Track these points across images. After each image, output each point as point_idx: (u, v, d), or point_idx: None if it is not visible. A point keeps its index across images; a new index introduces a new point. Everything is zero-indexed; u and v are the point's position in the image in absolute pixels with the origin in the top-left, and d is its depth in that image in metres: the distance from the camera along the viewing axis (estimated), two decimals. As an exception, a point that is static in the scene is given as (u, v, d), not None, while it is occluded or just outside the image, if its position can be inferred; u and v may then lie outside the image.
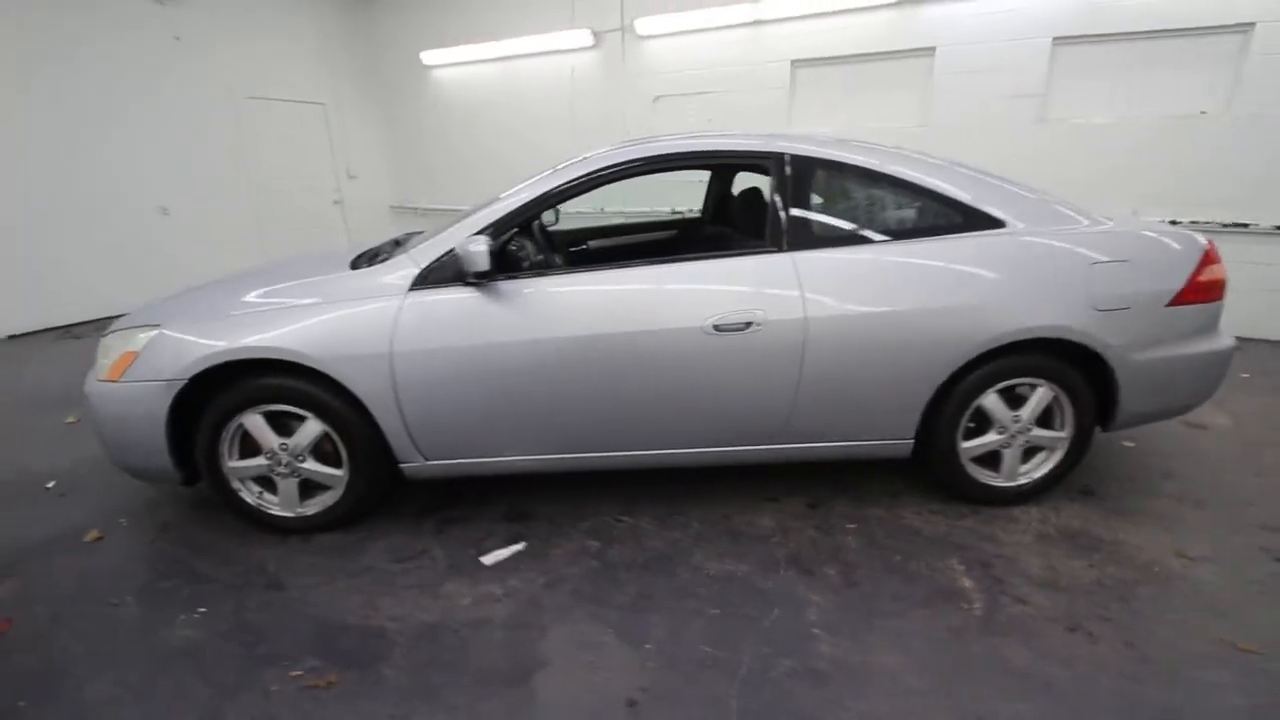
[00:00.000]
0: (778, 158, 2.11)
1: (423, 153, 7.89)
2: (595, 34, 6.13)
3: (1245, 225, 4.36)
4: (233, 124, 6.39)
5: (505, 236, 2.07)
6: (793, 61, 5.38)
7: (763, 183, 2.52)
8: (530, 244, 2.38)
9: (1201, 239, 2.23)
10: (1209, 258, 2.19)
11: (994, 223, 2.12)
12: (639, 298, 2.03)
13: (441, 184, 7.85)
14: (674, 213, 5.85)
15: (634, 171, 2.13)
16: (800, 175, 2.10)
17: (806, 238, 2.07)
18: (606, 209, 5.79)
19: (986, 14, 4.72)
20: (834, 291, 2.01)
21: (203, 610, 1.88)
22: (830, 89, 5.41)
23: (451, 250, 2.00)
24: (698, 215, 3.54)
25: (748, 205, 2.49)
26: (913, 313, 2.02)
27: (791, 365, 2.04)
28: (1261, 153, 4.25)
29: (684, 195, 5.31)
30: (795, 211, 2.08)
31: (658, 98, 6.07)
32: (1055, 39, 4.60)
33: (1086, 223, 2.18)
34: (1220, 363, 2.26)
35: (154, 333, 2.07)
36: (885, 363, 2.06)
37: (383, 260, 2.18)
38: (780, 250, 2.05)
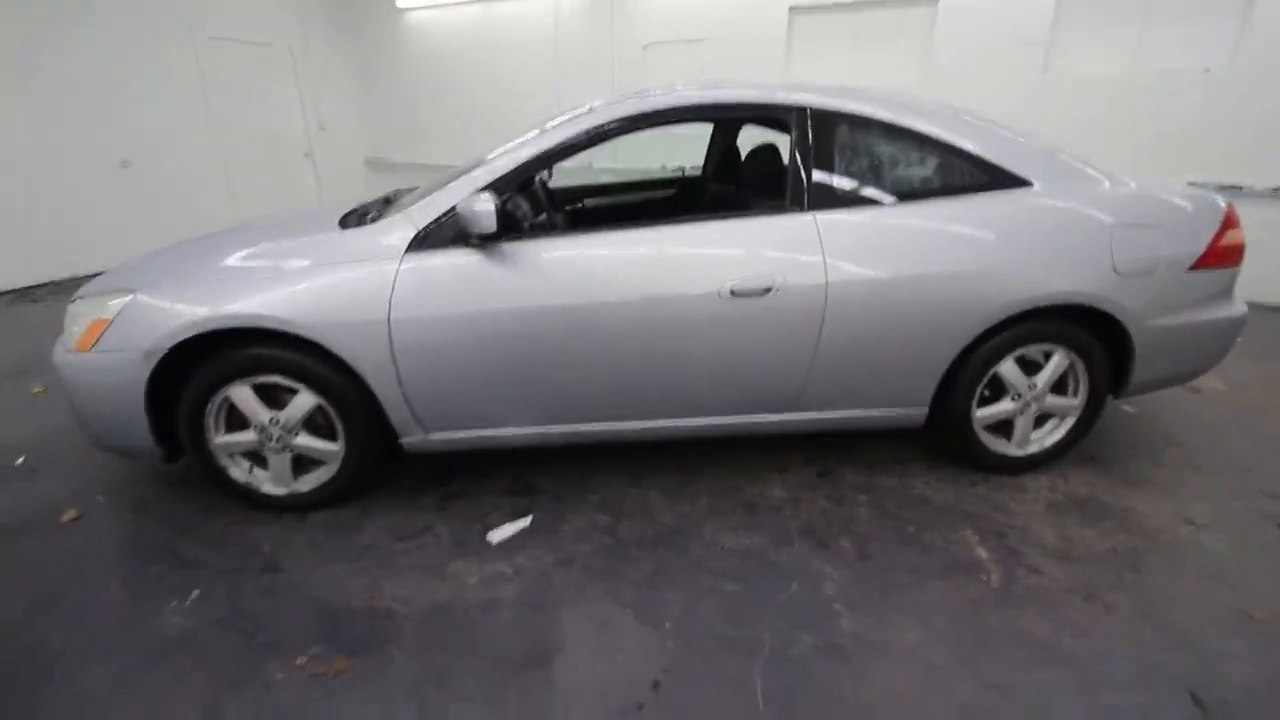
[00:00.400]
0: (799, 111, 1.98)
1: (398, 103, 7.50)
2: (581, -25, 5.79)
3: (1239, 187, 4.33)
4: (194, 68, 5.97)
5: (508, 195, 1.93)
6: (791, 8, 5.14)
7: (777, 138, 2.40)
8: (529, 203, 2.24)
9: (1221, 202, 2.17)
10: (1230, 221, 2.14)
11: (1020, 182, 2.03)
12: (652, 261, 1.92)
13: (419, 137, 7.49)
14: (664, 169, 5.66)
15: (643, 124, 1.98)
16: (823, 131, 1.97)
17: (830, 198, 1.96)
18: (595, 165, 5.58)
19: (993, -40, 4.52)
20: (857, 255, 1.92)
21: (196, 595, 1.79)
22: (829, 38, 5.19)
23: (453, 209, 1.86)
24: (697, 174, 3.38)
25: (763, 163, 2.35)
26: (936, 277, 1.94)
27: (810, 332, 1.96)
28: (1260, 114, 4.20)
29: (676, 151, 5.12)
30: (818, 170, 1.96)
31: (648, 45, 5.79)
32: (1062, -12, 4.44)
33: (1108, 184, 2.11)
34: (1233, 329, 2.23)
35: (128, 298, 1.91)
36: (906, 329, 1.99)
37: (374, 219, 2.03)
38: (802, 211, 1.94)
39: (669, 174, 3.44)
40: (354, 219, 2.13)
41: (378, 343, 1.86)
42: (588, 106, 2.08)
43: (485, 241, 1.81)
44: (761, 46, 5.32)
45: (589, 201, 3.26)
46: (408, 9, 6.87)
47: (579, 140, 1.94)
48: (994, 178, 2.02)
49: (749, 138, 2.75)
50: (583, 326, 1.90)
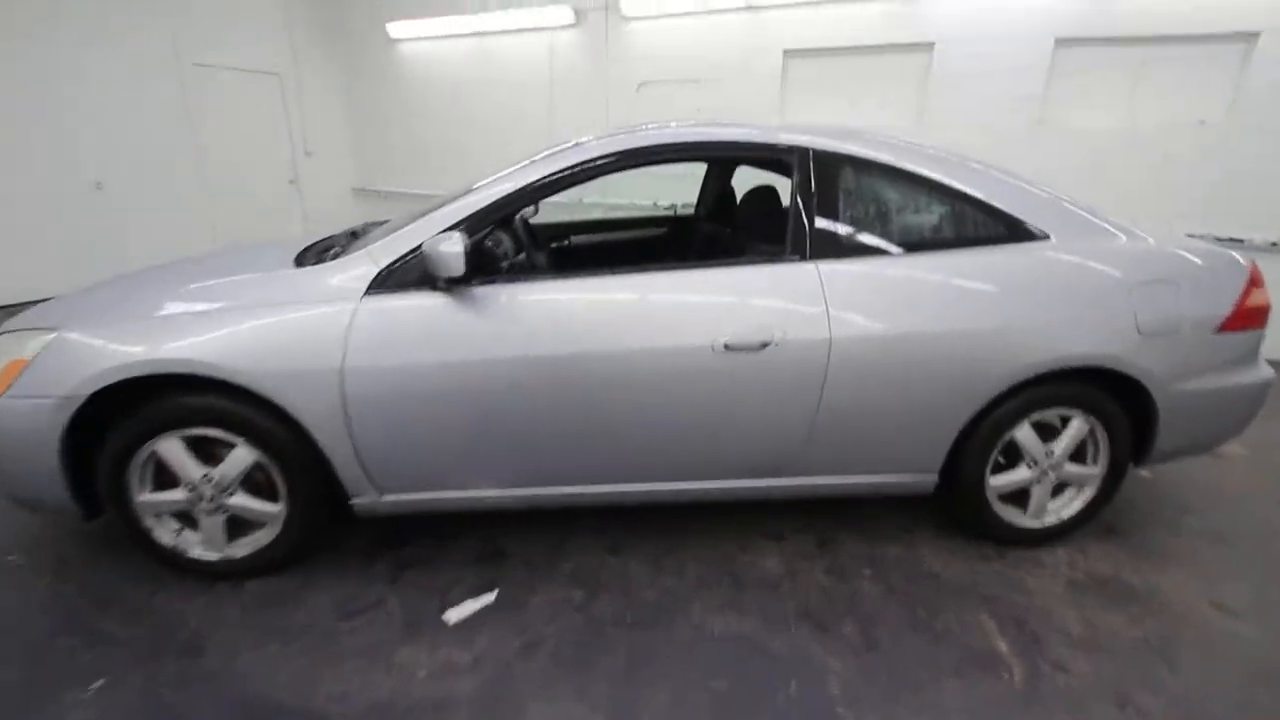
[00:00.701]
0: (801, 153, 1.83)
1: (388, 132, 7.40)
2: (577, 11, 5.76)
3: (1240, 240, 4.27)
4: (177, 92, 5.83)
5: (482, 233, 1.76)
6: (786, 51, 5.12)
7: (775, 179, 2.26)
8: (509, 240, 2.07)
9: (1243, 260, 2.04)
10: (1254, 280, 2.01)
11: (1036, 235, 1.89)
12: (639, 310, 1.74)
13: (408, 166, 7.38)
14: (656, 206, 5.57)
15: (633, 162, 1.83)
16: (826, 174, 1.82)
17: (834, 246, 1.80)
18: (585, 200, 5.47)
19: (988, 10, 4.52)
20: (864, 308, 1.76)
21: (101, 684, 1.54)
22: (824, 81, 5.16)
23: (418, 248, 1.68)
24: (690, 213, 3.24)
25: (760, 205, 2.20)
26: (949, 334, 1.78)
27: (811, 391, 1.78)
28: (1260, 166, 4.16)
29: (669, 189, 5.02)
30: (821, 216, 1.80)
31: (642, 84, 5.75)
32: (1058, 40, 4.43)
33: (1125, 238, 1.97)
34: (1260, 393, 2.08)
35: (50, 337, 1.69)
36: (916, 390, 1.82)
37: (335, 256, 1.84)
38: (804, 259, 1.78)
39: (661, 212, 3.29)
40: (312, 256, 1.94)
41: (328, 393, 1.66)
42: (574, 141, 1.93)
43: (453, 285, 1.63)
44: (756, 89, 5.27)
45: (576, 239, 3.10)
46: (401, 39, 6.82)
47: (563, 176, 1.78)
48: (1008, 229, 1.88)
49: (745, 179, 2.62)
50: (561, 380, 1.71)
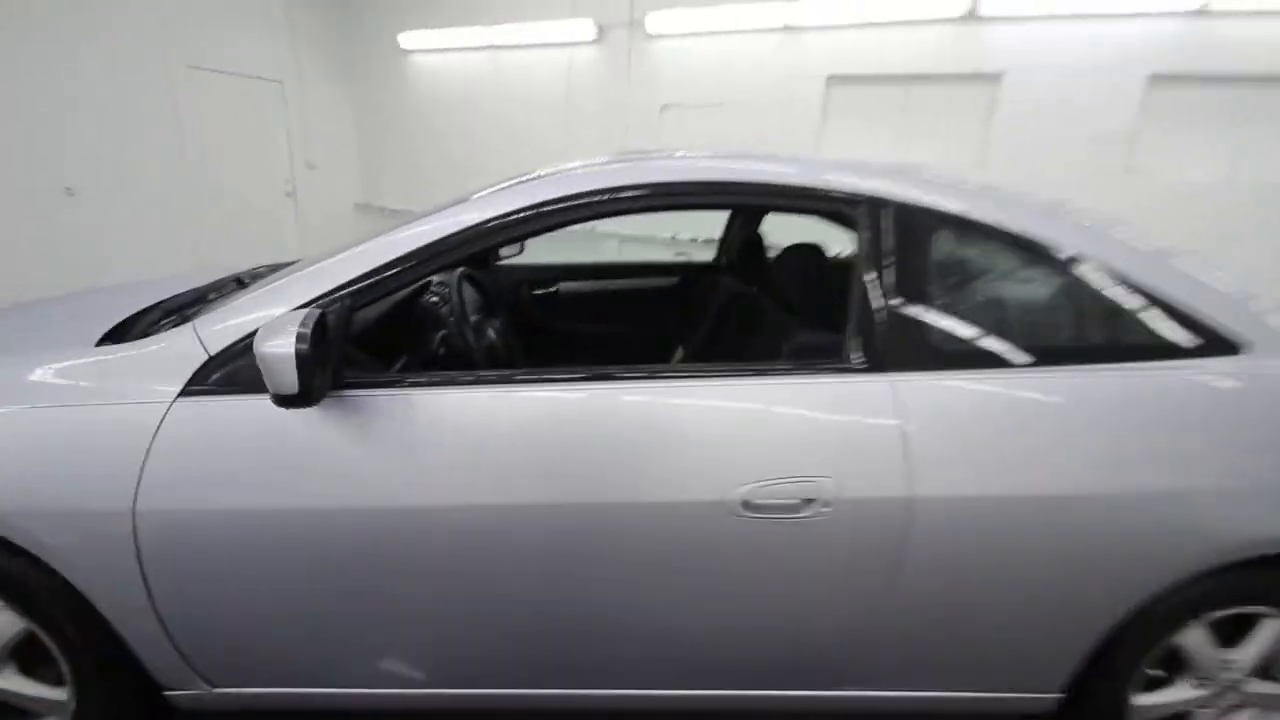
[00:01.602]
0: (873, 206, 1.20)
1: (396, 146, 6.97)
2: (599, 27, 5.27)
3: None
4: (164, 94, 5.42)
5: (373, 305, 1.16)
6: (829, 77, 4.55)
7: (824, 235, 1.64)
8: (428, 316, 1.47)
9: None
10: None
11: (1226, 346, 1.23)
12: (611, 439, 1.11)
13: (417, 183, 6.92)
14: (674, 240, 4.99)
15: (632, 204, 1.21)
16: (912, 240, 1.19)
17: (920, 351, 1.16)
18: (598, 228, 4.91)
19: (1072, 39, 3.91)
20: (966, 453, 1.11)
21: None
22: (871, 113, 4.57)
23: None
24: (709, 260, 2.63)
25: (802, 271, 1.57)
26: (1099, 500, 1.13)
27: (876, 573, 1.14)
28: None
29: (690, 220, 4.45)
30: (902, 302, 1.17)
31: (665, 107, 5.21)
32: (1152, 76, 3.80)
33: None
34: None
35: None
36: (1041, 580, 1.17)
37: (152, 330, 1.24)
38: (872, 369, 1.14)
39: (673, 259, 2.69)
40: (141, 326, 1.33)
41: (114, 545, 1.06)
42: (536, 172, 1.33)
43: (291, 403, 1.00)
44: (793, 117, 4.70)
45: (565, 286, 2.51)
46: (413, 50, 6.41)
47: (498, 228, 1.16)
48: (1190, 337, 1.22)
49: (781, 221, 2.01)
50: (485, 541, 1.10)
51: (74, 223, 4.98)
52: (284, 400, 0.92)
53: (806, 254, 1.59)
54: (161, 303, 1.44)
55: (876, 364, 1.14)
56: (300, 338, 0.89)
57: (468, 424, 1.10)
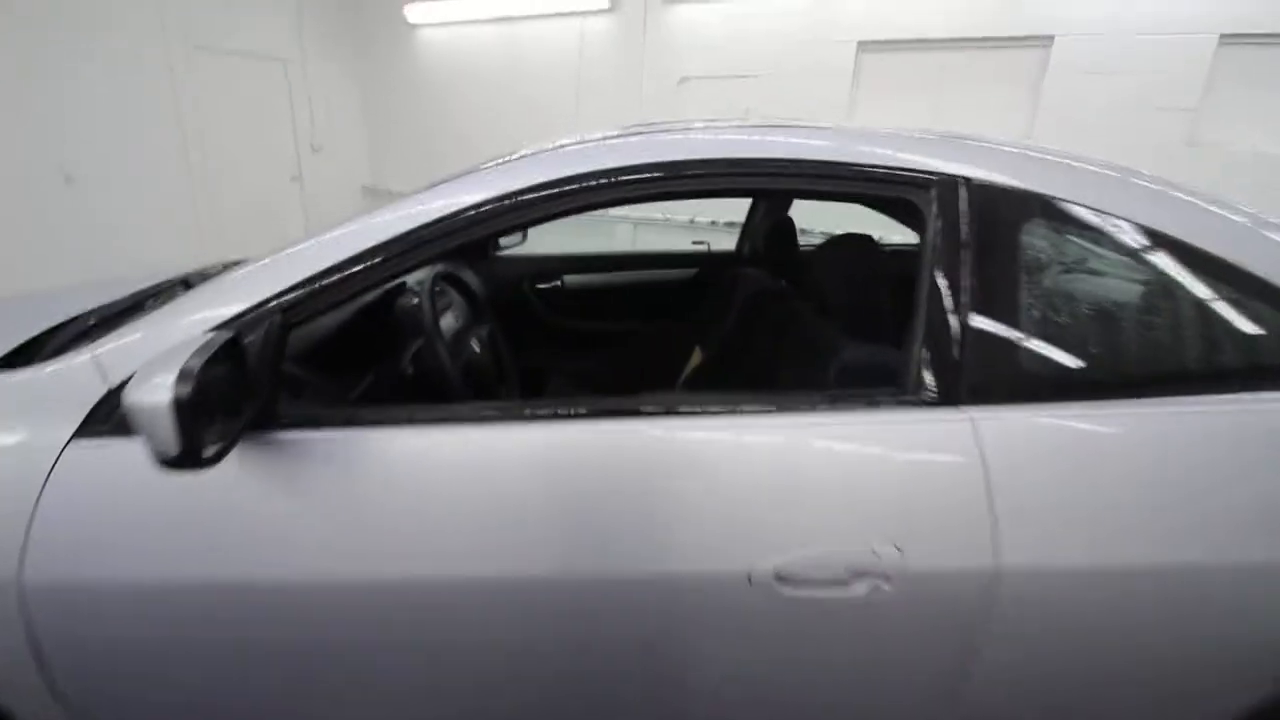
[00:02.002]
0: (948, 187, 0.94)
1: (404, 126, 6.74)
2: (612, -6, 4.95)
3: None
4: (164, 77, 5.23)
5: (314, 317, 0.93)
6: (860, 43, 4.20)
7: (870, 222, 1.38)
8: (414, 307, 1.24)
9: None
10: None
11: None
12: (614, 493, 0.88)
13: (426, 164, 6.67)
14: (693, 224, 4.71)
15: (630, 190, 0.96)
16: (1001, 230, 0.92)
17: (1008, 378, 0.90)
18: (611, 210, 4.66)
19: (1132, -5, 3.53)
20: (1069, 512, 0.86)
21: None
22: (906, 81, 4.22)
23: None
24: (730, 250, 2.37)
25: (847, 269, 1.30)
26: (1248, 571, 0.87)
27: (949, 669, 0.90)
28: None
29: (714, 200, 4.18)
30: (985, 316, 0.90)
31: (683, 79, 4.89)
32: (1223, 36, 3.41)
33: None
34: None
35: None
36: (1158, 673, 0.92)
37: (56, 352, 1.02)
38: (945, 401, 0.89)
39: (691, 248, 2.43)
40: (55, 344, 1.11)
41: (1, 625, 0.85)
42: (526, 151, 1.08)
43: (179, 465, 0.77)
44: (820, 87, 4.36)
45: (570, 280, 2.27)
46: (419, 25, 6.13)
47: (478, 217, 0.92)
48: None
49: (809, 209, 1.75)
50: (448, 624, 0.88)
51: (73, 212, 4.84)
52: (169, 462, 0.70)
53: (855, 247, 1.31)
54: (84, 314, 1.23)
55: (952, 394, 0.88)
56: (183, 377, 0.66)
57: (427, 474, 0.87)
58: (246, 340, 0.81)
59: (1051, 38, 3.73)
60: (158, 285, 1.40)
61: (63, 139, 4.72)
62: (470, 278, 1.79)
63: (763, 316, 1.65)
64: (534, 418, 0.89)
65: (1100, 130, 3.67)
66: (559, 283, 2.27)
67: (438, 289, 1.27)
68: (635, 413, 0.89)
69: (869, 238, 1.31)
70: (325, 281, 0.89)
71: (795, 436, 0.88)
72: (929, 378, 0.89)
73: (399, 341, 1.19)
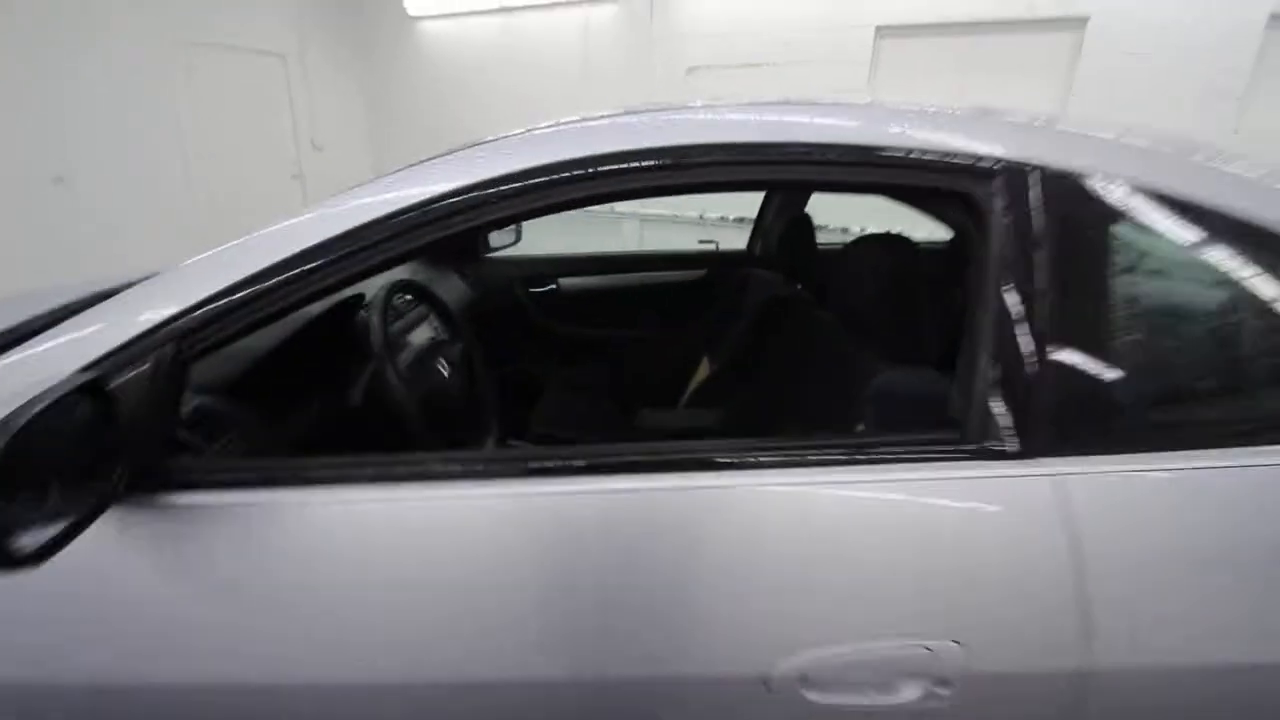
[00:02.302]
0: (1016, 174, 0.74)
1: (406, 121, 6.58)
2: (617, -19, 4.76)
3: None
4: (159, 73, 5.10)
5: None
6: (878, 28, 3.97)
7: (898, 223, 1.18)
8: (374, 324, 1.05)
9: None
10: None
11: None
12: (588, 573, 0.69)
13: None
14: (702, 220, 4.51)
15: (616, 183, 0.76)
16: (1086, 231, 0.72)
17: (1098, 424, 0.70)
18: (616, 207, 4.48)
19: (1176, -29, 3.28)
20: (1184, 596, 0.66)
21: None
22: (927, 68, 3.99)
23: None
24: (741, 249, 2.17)
25: (882, 279, 1.09)
26: None
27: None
28: None
29: (721, 196, 3.97)
30: (1069, 337, 0.70)
31: (692, 69, 4.69)
32: (1273, 16, 3.16)
33: None
34: None
35: None
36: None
37: None
38: (1018, 453, 0.69)
39: (700, 247, 2.23)
40: None
41: None
42: (490, 138, 0.90)
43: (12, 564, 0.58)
44: (837, 75, 4.14)
45: (566, 282, 2.09)
46: (420, 17, 5.97)
47: (423, 220, 0.74)
48: None
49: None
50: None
51: (65, 214, 4.72)
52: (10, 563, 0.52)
53: (887, 250, 1.11)
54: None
55: (1028, 441, 0.69)
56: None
57: (366, 549, 0.69)
58: (120, 382, 0.63)
59: (1085, 19, 3.48)
60: (91, 296, 1.24)
61: (60, 139, 4.62)
62: (455, 284, 1.61)
63: (778, 327, 1.46)
64: (494, 476, 0.70)
65: (1135, 113, 3.43)
66: (554, 286, 2.09)
67: (397, 301, 1.09)
68: (619, 467, 0.71)
69: (905, 238, 1.11)
70: (237, 299, 0.71)
71: (824, 496, 0.69)
72: (995, 419, 0.70)
73: (353, 366, 1.01)
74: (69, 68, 4.64)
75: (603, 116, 0.86)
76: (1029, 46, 3.69)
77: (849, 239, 1.33)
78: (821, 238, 1.72)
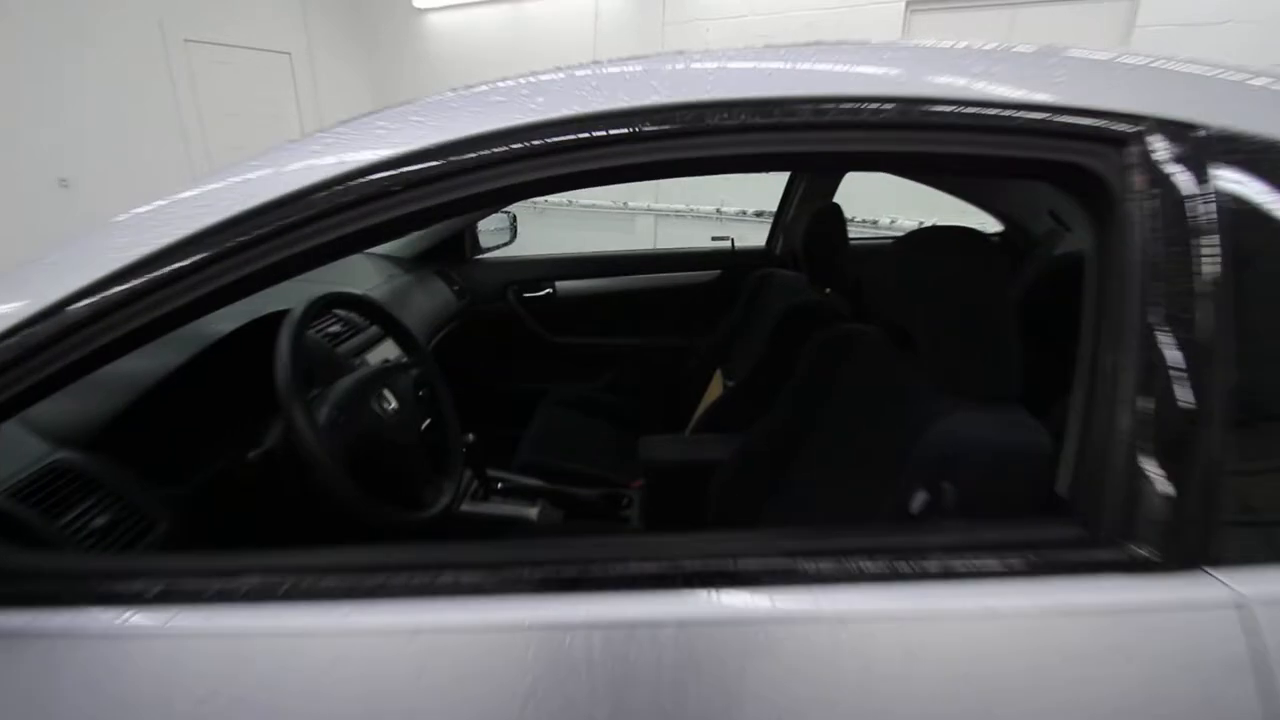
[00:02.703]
0: (1175, 131, 0.50)
1: (415, 120, 6.42)
2: (627, -35, 4.53)
3: None
4: (163, 72, 4.99)
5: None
6: (909, 3, 3.69)
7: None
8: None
9: None
10: None
11: None
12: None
13: (437, 159, 6.38)
14: (719, 215, 4.27)
15: (623, 164, 0.54)
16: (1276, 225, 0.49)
17: None
18: (630, 203, 4.26)
19: (1244, -71, 2.95)
20: None
21: None
22: (962, 47, 3.69)
23: None
24: (759, 247, 1.94)
25: (945, 285, 0.81)
26: None
27: None
28: None
29: (738, 188, 3.74)
30: (1255, 402, 0.47)
31: (707, 55, 4.44)
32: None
33: None
34: None
35: None
36: None
37: None
38: (1179, 561, 0.45)
39: (712, 245, 1.99)
40: None
41: None
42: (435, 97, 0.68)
43: None
44: (862, 57, 3.85)
45: (563, 286, 1.87)
46: (427, 9, 5.80)
47: (315, 215, 0.53)
48: None
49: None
50: None
51: (69, 217, 4.64)
52: None
53: (953, 248, 0.82)
54: None
55: (1193, 544, 0.45)
56: None
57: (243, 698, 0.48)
58: None
59: (1139, -13, 3.17)
60: None
61: (64, 141, 4.54)
62: (439, 290, 1.40)
63: (803, 341, 1.23)
64: (433, 592, 0.48)
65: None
66: (551, 290, 1.87)
67: (322, 323, 0.87)
68: (607, 584, 0.48)
69: (977, 233, 0.83)
70: (49, 333, 0.50)
71: (890, 634, 0.46)
72: (1147, 507, 0.46)
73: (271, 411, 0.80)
74: (72, 69, 4.55)
75: (582, 67, 0.63)
76: (1076, 19, 3.38)
77: (881, 233, 1.09)
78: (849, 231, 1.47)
